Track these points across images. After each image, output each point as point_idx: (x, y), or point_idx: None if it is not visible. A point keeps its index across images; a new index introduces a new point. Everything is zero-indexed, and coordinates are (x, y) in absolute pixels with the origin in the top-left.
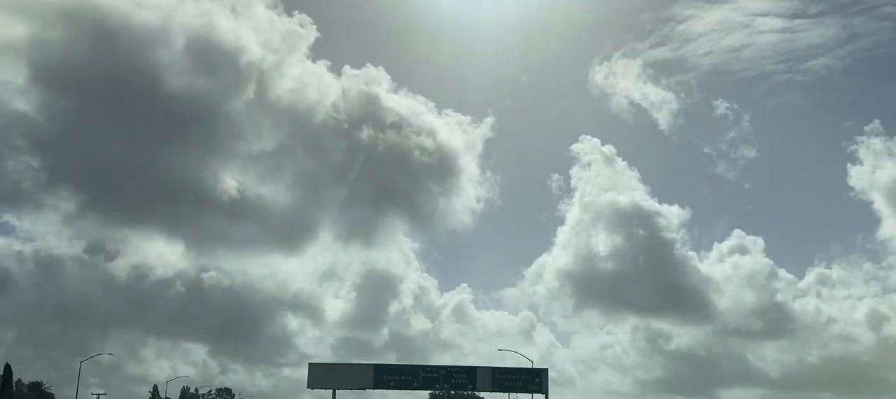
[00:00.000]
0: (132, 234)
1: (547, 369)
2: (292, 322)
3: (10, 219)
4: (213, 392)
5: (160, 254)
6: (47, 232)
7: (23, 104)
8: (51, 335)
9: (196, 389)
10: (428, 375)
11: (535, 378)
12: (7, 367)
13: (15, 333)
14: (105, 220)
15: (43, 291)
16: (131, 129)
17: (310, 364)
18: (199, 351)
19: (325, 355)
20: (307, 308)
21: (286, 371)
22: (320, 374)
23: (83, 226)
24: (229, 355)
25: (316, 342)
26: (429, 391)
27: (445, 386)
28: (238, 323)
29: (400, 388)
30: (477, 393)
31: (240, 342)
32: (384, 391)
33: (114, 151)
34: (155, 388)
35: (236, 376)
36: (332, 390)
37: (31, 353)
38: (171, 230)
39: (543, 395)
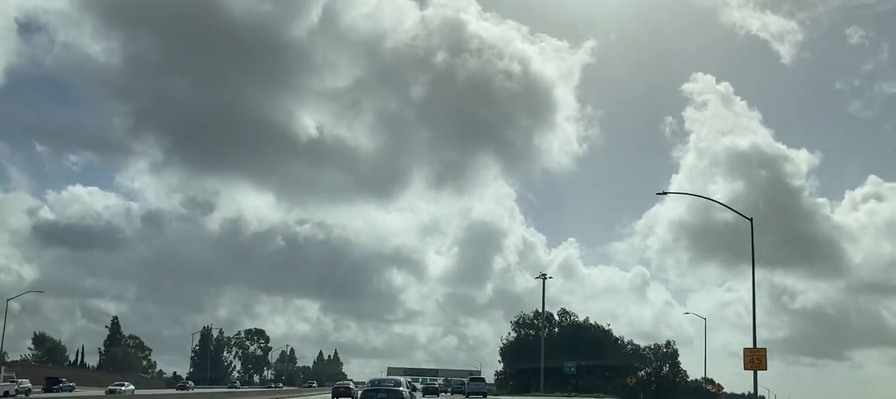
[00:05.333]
0: (221, 185)
1: None
2: (397, 278)
3: (95, 160)
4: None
5: (254, 206)
6: (146, 186)
7: (86, 40)
8: (163, 292)
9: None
10: None
11: None
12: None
13: (134, 289)
14: (191, 169)
15: (148, 247)
16: (196, 66)
17: None
18: (311, 308)
19: (431, 310)
20: (410, 263)
21: (397, 327)
22: None
23: (171, 178)
24: (339, 312)
25: (421, 299)
26: None
27: None
28: (342, 279)
29: None
30: None
31: (347, 299)
32: None
33: (181, 90)
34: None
35: (349, 332)
36: None
37: (152, 309)
38: (258, 178)
39: None
